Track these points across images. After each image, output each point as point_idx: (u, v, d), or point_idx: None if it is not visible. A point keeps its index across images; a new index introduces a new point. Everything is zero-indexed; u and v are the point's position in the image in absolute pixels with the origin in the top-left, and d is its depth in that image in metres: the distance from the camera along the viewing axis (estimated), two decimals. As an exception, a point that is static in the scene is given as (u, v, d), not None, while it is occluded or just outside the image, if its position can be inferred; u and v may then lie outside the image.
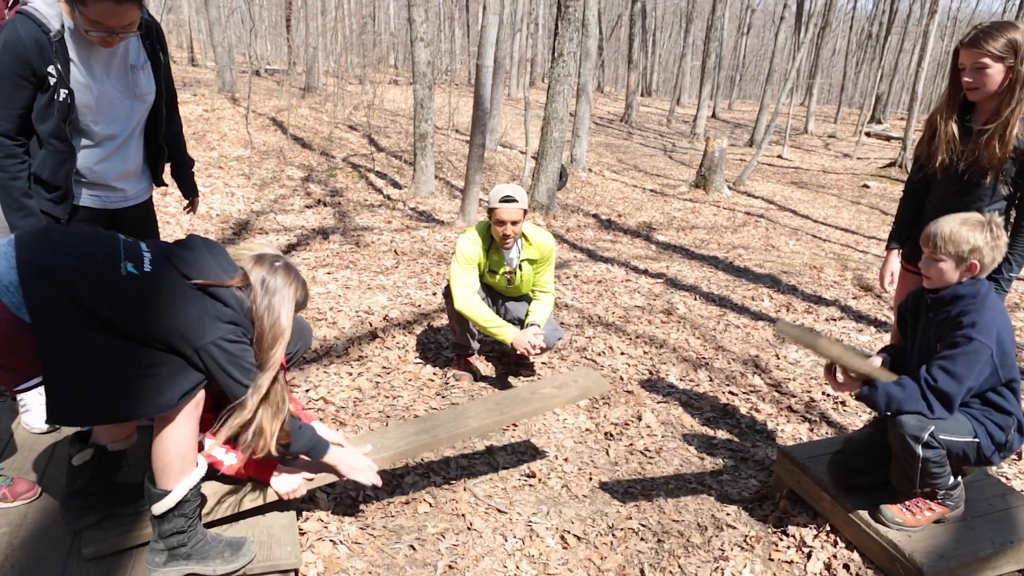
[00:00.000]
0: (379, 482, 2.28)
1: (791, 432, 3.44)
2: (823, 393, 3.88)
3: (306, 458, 2.21)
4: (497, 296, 3.79)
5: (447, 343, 4.16)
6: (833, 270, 6.69)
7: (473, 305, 3.42)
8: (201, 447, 2.02)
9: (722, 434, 3.40)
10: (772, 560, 2.46)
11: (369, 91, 17.89)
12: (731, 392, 3.84)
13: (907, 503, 2.33)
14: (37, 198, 2.20)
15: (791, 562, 2.45)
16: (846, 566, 2.39)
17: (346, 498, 2.65)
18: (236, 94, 14.01)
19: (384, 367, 3.79)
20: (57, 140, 2.15)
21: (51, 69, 2.06)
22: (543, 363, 4.03)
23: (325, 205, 7.78)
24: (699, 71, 22.40)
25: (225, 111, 12.03)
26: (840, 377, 2.35)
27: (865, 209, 11.63)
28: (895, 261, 2.86)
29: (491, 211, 3.36)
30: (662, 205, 10.43)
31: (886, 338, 4.80)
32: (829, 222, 10.10)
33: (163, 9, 23.34)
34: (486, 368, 3.92)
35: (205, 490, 2.08)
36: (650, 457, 3.15)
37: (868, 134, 22.83)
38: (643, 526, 2.65)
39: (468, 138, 8.10)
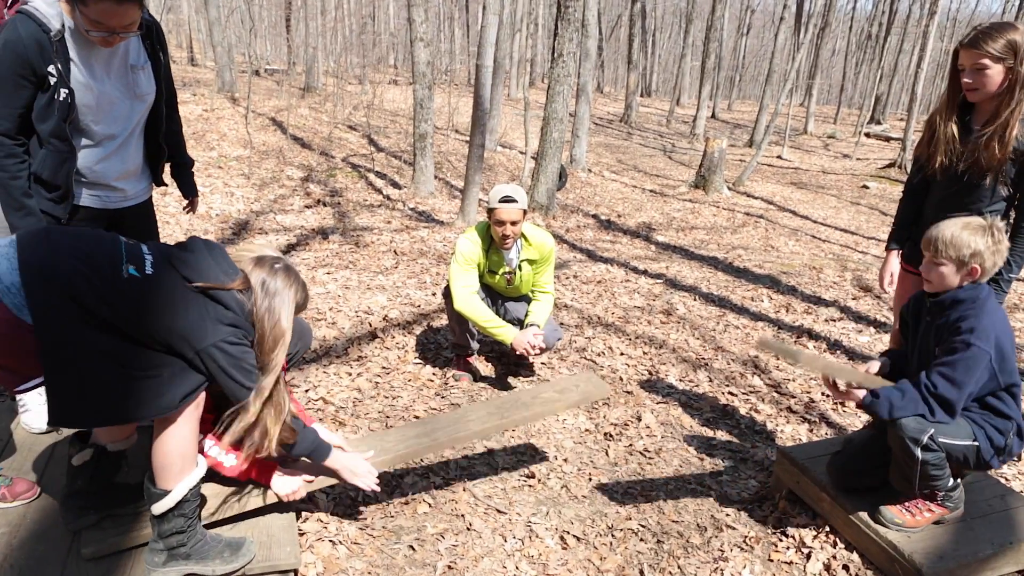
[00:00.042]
0: (378, 488, 2.28)
1: (791, 433, 3.44)
2: (822, 394, 3.87)
3: (307, 461, 2.21)
4: (497, 296, 3.79)
5: (447, 343, 4.16)
6: (832, 271, 6.69)
7: (473, 305, 3.42)
8: (201, 448, 2.02)
9: (722, 435, 3.40)
10: (771, 561, 2.46)
11: (369, 91, 17.89)
12: (731, 393, 3.85)
13: (906, 504, 2.33)
14: (37, 197, 2.20)
15: (790, 563, 2.45)
16: (845, 567, 2.39)
17: (345, 498, 2.65)
18: (236, 94, 14.01)
19: (384, 367, 3.79)
20: (57, 140, 2.15)
21: (51, 69, 2.06)
22: (543, 363, 4.03)
23: (325, 205, 7.78)
24: (699, 71, 22.40)
25: (225, 111, 12.03)
26: (841, 386, 2.34)
27: (864, 210, 11.64)
28: (895, 262, 2.86)
29: (491, 211, 3.36)
30: (662, 205, 10.43)
31: (885, 339, 4.81)
32: (829, 223, 10.10)
33: (163, 9, 23.34)
34: (486, 368, 3.92)
35: (205, 491, 2.08)
36: (649, 458, 3.15)
37: (867, 135, 22.85)
38: (643, 527, 2.65)
39: (468, 138, 8.10)
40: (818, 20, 22.11)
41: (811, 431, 3.46)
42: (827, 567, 2.40)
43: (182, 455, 1.86)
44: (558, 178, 8.96)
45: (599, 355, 4.22)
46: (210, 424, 2.09)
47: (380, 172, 10.10)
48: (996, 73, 2.37)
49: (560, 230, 8.05)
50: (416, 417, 3.31)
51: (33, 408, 2.55)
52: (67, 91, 2.10)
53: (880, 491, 2.41)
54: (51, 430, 2.58)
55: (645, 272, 6.25)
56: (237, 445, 2.18)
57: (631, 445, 3.24)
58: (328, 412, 3.27)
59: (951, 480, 2.27)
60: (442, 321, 4.48)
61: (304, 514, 2.49)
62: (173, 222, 6.27)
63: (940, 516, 2.33)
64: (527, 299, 3.78)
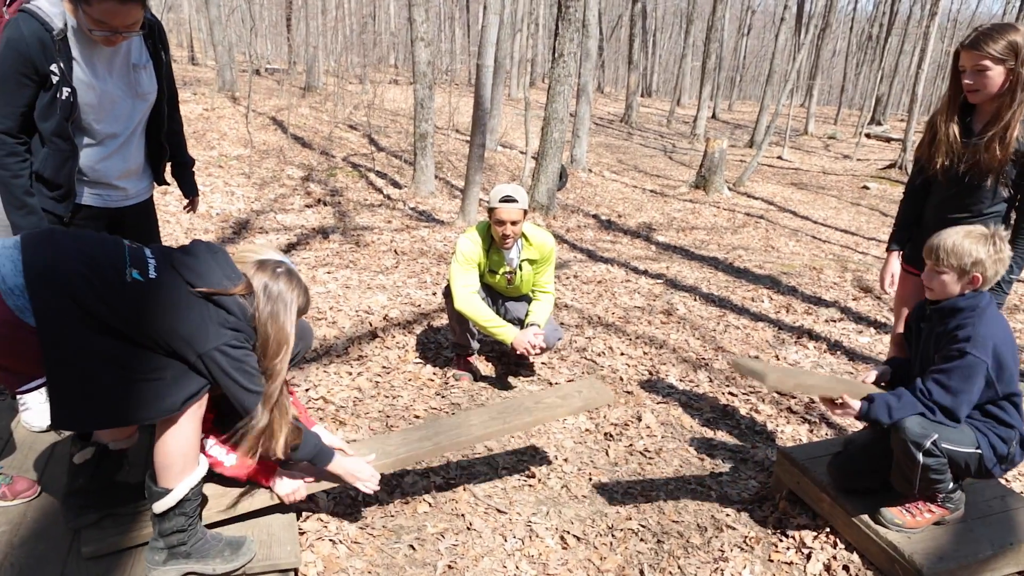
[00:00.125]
0: (378, 488, 2.28)
1: (791, 433, 3.44)
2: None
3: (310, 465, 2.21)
4: (497, 296, 3.79)
5: (447, 343, 4.16)
6: (833, 271, 6.69)
7: (473, 305, 3.42)
8: (202, 447, 2.02)
9: (722, 435, 3.40)
10: (772, 561, 2.47)
11: (369, 91, 17.89)
12: (731, 393, 3.85)
13: (907, 505, 2.33)
14: (39, 196, 2.20)
15: (791, 563, 2.45)
16: (846, 567, 2.39)
17: (346, 498, 2.65)
18: (236, 93, 14.01)
19: (384, 367, 3.79)
20: (59, 139, 2.15)
21: (54, 67, 2.06)
22: (543, 363, 4.03)
23: (325, 204, 7.78)
24: (699, 72, 22.41)
25: (225, 110, 12.03)
26: (838, 400, 2.32)
27: (865, 210, 11.64)
28: (895, 263, 2.86)
29: (491, 211, 3.36)
30: (662, 206, 10.43)
31: (886, 339, 4.81)
32: (829, 223, 10.10)
33: (163, 8, 23.35)
34: (486, 368, 3.92)
35: (206, 492, 2.08)
36: (650, 458, 3.15)
37: (868, 135, 22.85)
38: (643, 527, 2.65)
39: (468, 138, 8.09)
40: (819, 21, 22.10)
41: (811, 431, 3.46)
42: (827, 568, 2.40)
43: (184, 454, 1.86)
44: (558, 178, 8.96)
45: (599, 355, 4.22)
46: (210, 423, 2.09)
47: (381, 172, 10.10)
48: (997, 74, 2.37)
49: (560, 230, 8.05)
50: (416, 416, 3.32)
51: (34, 407, 2.55)
52: (69, 90, 2.10)
53: (880, 492, 2.41)
54: (51, 428, 2.58)
55: (645, 272, 6.25)
56: (236, 444, 2.19)
57: (631, 445, 3.24)
58: (328, 411, 3.27)
59: (951, 483, 2.27)
60: (442, 321, 4.48)
61: (304, 513, 2.49)
62: (174, 221, 6.27)
63: (940, 517, 2.33)
64: (527, 299, 3.78)
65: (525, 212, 3.38)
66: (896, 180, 14.40)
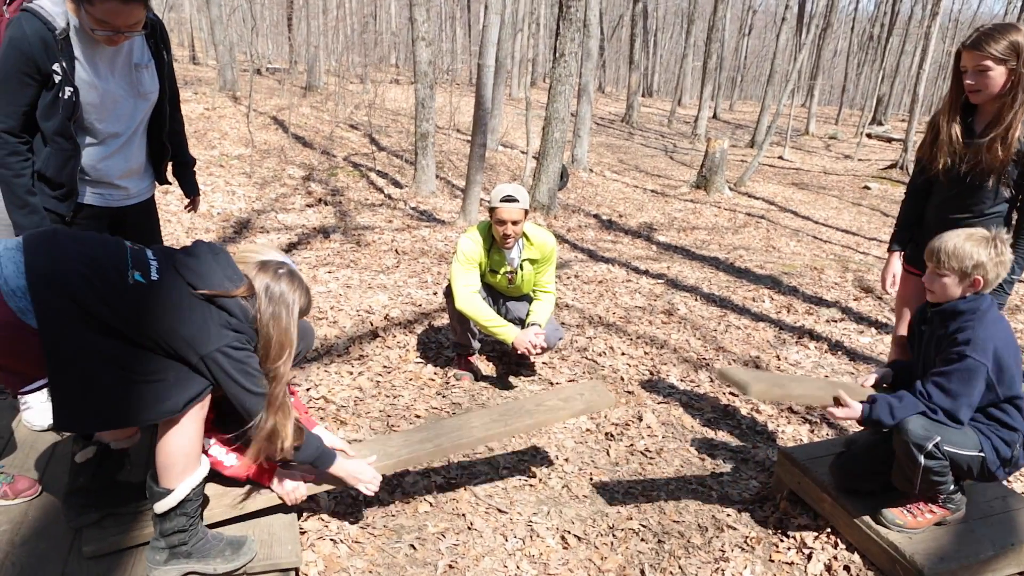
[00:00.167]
0: (377, 489, 2.28)
1: (792, 433, 3.44)
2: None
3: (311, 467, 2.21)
4: (498, 296, 3.79)
5: (448, 342, 4.16)
6: (834, 271, 6.69)
7: (474, 305, 3.42)
8: (203, 448, 2.02)
9: (723, 435, 3.40)
10: (772, 561, 2.46)
11: (370, 90, 17.89)
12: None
13: (908, 505, 2.33)
14: (41, 195, 2.20)
15: (791, 563, 2.45)
16: (847, 568, 2.39)
17: (347, 498, 2.65)
18: (237, 93, 14.01)
19: (385, 366, 3.79)
20: (62, 138, 2.15)
21: (56, 67, 2.06)
22: (544, 363, 4.03)
23: (326, 204, 7.78)
24: (700, 72, 22.40)
25: (226, 109, 12.03)
26: (841, 399, 2.32)
27: (866, 211, 11.63)
28: (897, 263, 2.86)
29: (492, 210, 3.36)
30: (663, 206, 10.43)
31: (887, 339, 4.80)
32: (830, 223, 10.10)
33: (164, 7, 23.37)
34: (487, 368, 3.92)
35: (207, 492, 2.08)
36: (651, 458, 3.15)
37: (869, 135, 22.83)
38: (643, 527, 2.65)
39: (469, 138, 8.10)
40: (820, 21, 22.09)
41: (812, 432, 3.46)
42: (828, 568, 2.40)
43: (186, 454, 1.86)
44: (559, 178, 8.96)
45: (600, 355, 4.22)
46: (210, 424, 2.09)
47: (381, 171, 10.11)
48: (999, 75, 2.37)
49: (561, 230, 8.05)
50: (417, 416, 3.32)
51: (35, 406, 2.56)
52: (72, 89, 2.10)
53: (882, 493, 2.40)
54: (52, 427, 2.58)
55: (646, 272, 6.25)
56: (241, 447, 2.19)
57: (632, 445, 3.24)
58: (329, 411, 3.27)
59: (953, 485, 2.27)
60: (443, 320, 4.48)
61: (305, 513, 2.49)
62: (175, 220, 6.27)
63: (942, 518, 2.33)
64: (528, 299, 3.78)
65: (526, 212, 3.38)
66: (897, 180, 14.39)
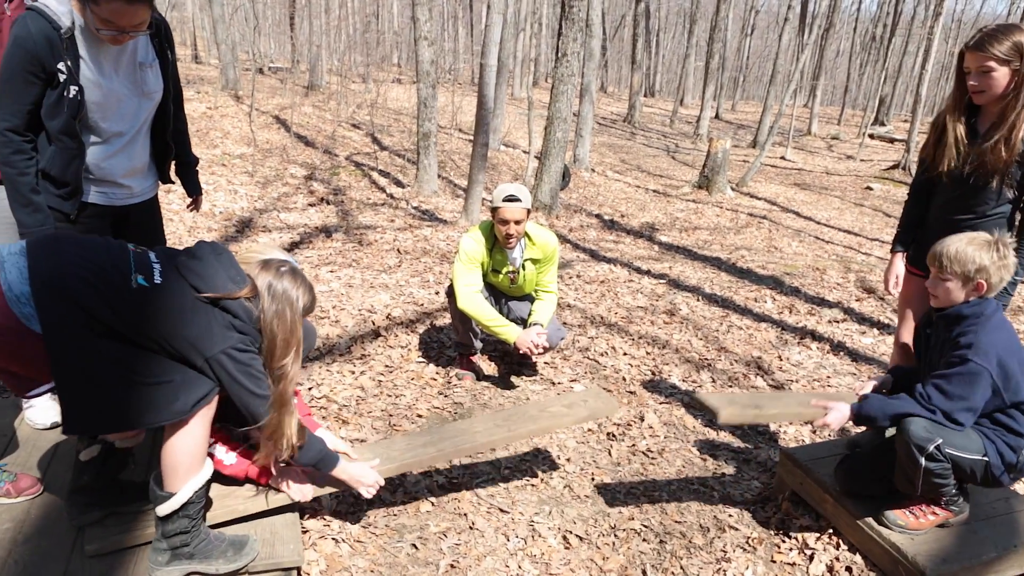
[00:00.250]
0: (375, 491, 2.28)
1: (793, 434, 3.44)
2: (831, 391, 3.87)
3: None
4: (500, 295, 3.79)
5: (450, 342, 4.16)
6: (836, 272, 6.68)
7: (476, 304, 3.42)
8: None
9: (724, 435, 3.39)
10: (774, 562, 2.46)
11: (372, 90, 17.90)
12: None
13: (911, 507, 2.33)
14: (45, 194, 2.20)
15: (793, 564, 2.45)
16: (848, 569, 2.38)
17: (348, 497, 2.65)
18: (239, 92, 14.02)
19: (387, 366, 3.79)
20: (67, 137, 2.15)
21: (61, 66, 2.06)
22: (546, 363, 4.03)
23: (328, 203, 7.78)
24: (702, 72, 22.39)
25: (228, 109, 12.04)
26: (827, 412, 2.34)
27: (868, 211, 11.62)
28: (899, 264, 2.85)
29: (494, 210, 3.36)
30: (665, 206, 10.43)
31: (889, 340, 4.80)
32: (832, 224, 10.09)
33: (167, 6, 23.39)
34: (489, 367, 3.92)
35: (212, 494, 2.08)
36: (652, 458, 3.15)
37: (871, 136, 22.81)
38: (645, 527, 2.65)
39: (471, 137, 8.10)
40: (822, 21, 22.09)
41: (814, 432, 3.46)
42: (830, 569, 2.40)
43: (191, 455, 1.86)
44: (561, 178, 8.96)
45: (602, 355, 4.22)
46: (211, 424, 2.09)
47: (383, 171, 10.11)
48: (1002, 75, 2.36)
49: (563, 230, 8.05)
50: (419, 416, 3.32)
51: (37, 404, 2.56)
52: (76, 88, 2.11)
53: (887, 497, 2.40)
54: (54, 426, 2.59)
55: (648, 272, 6.25)
56: (240, 445, 2.19)
57: (634, 445, 3.23)
58: (331, 410, 3.27)
59: (955, 488, 2.26)
60: (445, 320, 4.48)
61: (307, 512, 2.49)
62: (177, 219, 6.28)
63: (944, 520, 2.33)
64: (530, 298, 3.78)
65: (528, 211, 3.38)
66: (899, 181, 14.38)
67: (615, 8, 42.00)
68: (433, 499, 2.70)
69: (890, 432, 2.30)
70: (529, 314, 3.65)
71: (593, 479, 2.95)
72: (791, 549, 2.51)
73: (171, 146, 2.58)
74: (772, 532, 2.62)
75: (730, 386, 3.92)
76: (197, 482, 1.89)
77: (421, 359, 3.92)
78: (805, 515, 2.66)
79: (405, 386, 3.60)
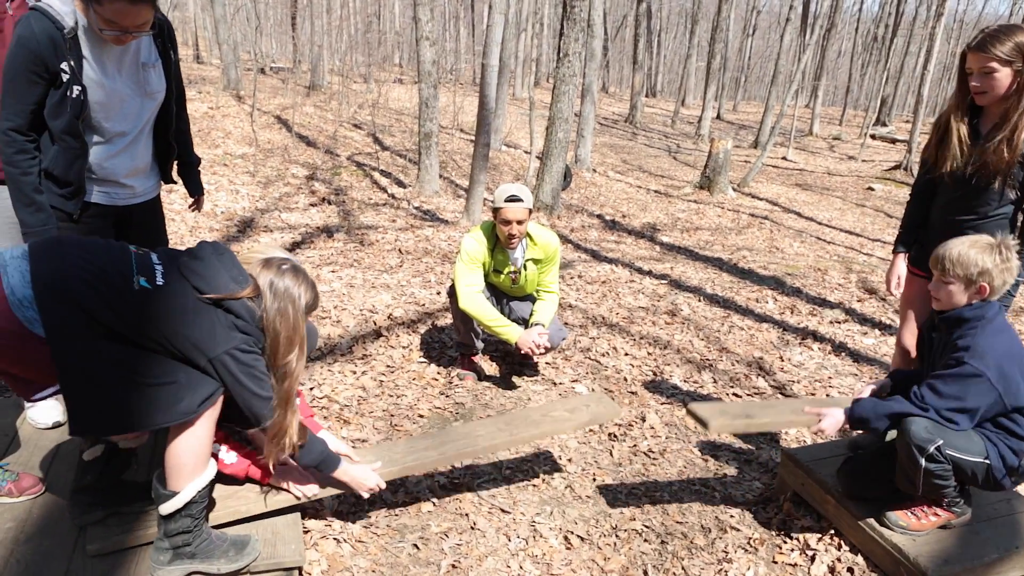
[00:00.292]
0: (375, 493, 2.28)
1: (795, 434, 3.43)
2: (827, 395, 3.87)
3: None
4: (502, 296, 3.79)
5: (451, 342, 4.17)
6: (838, 272, 6.68)
7: (477, 304, 3.42)
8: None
9: (726, 436, 3.39)
10: (776, 563, 2.46)
11: (374, 90, 17.92)
12: (735, 394, 3.84)
13: (912, 508, 2.32)
14: (48, 194, 2.21)
15: (795, 565, 2.44)
16: (850, 570, 2.38)
17: (350, 497, 2.64)
18: (241, 92, 14.03)
19: (388, 366, 3.80)
20: (70, 136, 2.16)
21: (64, 66, 2.06)
22: (547, 363, 4.03)
23: (329, 203, 7.79)
24: (704, 72, 22.37)
25: (230, 108, 12.05)
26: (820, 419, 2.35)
27: (870, 211, 11.61)
28: (902, 265, 2.85)
29: (497, 211, 3.36)
30: (666, 206, 10.43)
31: (890, 341, 4.80)
32: (834, 224, 10.09)
33: (169, 6, 23.41)
34: (490, 368, 3.92)
35: (216, 495, 2.09)
36: (654, 458, 3.15)
37: (873, 136, 22.80)
38: (647, 527, 2.65)
39: (472, 137, 8.10)
40: (824, 21, 22.08)
41: (816, 433, 3.45)
42: (831, 570, 2.40)
43: (196, 456, 1.86)
44: (563, 178, 8.96)
45: (603, 355, 4.22)
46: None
47: (385, 171, 10.11)
48: (1004, 76, 2.36)
49: (565, 230, 8.05)
50: (421, 416, 3.32)
51: (39, 404, 2.56)
52: (79, 88, 2.11)
53: (890, 499, 2.40)
54: (56, 425, 2.59)
55: (650, 272, 6.25)
56: (240, 444, 2.19)
57: (635, 446, 3.23)
58: (333, 410, 3.27)
59: (956, 489, 2.26)
60: (447, 320, 4.48)
61: (309, 512, 2.49)
62: (179, 219, 6.28)
63: (946, 521, 2.32)
64: (532, 298, 3.78)
65: (530, 211, 3.38)
66: (901, 181, 14.37)
67: (617, 8, 41.99)
68: (435, 499, 2.70)
69: (891, 435, 2.30)
70: (530, 314, 3.65)
71: (594, 479, 2.95)
72: (792, 550, 2.51)
73: (173, 146, 2.59)
74: (774, 533, 2.62)
75: (731, 387, 3.92)
76: (201, 482, 1.89)
77: (422, 359, 3.93)
78: (806, 516, 2.66)
79: (406, 386, 3.60)
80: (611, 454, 3.16)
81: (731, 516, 2.73)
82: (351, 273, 5.33)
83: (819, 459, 2.67)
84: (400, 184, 9.39)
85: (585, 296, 5.38)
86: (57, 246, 1.76)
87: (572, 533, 2.58)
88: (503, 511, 2.67)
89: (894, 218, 11.00)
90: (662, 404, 3.65)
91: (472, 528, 2.56)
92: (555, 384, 3.80)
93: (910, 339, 2.83)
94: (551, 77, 25.25)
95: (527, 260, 3.56)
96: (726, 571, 2.42)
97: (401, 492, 2.72)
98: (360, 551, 2.38)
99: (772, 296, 5.72)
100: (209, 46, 24.92)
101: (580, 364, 4.08)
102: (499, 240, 3.48)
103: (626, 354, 4.28)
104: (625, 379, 3.93)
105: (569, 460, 3.07)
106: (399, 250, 6.12)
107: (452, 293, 3.58)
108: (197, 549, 1.94)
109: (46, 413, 2.58)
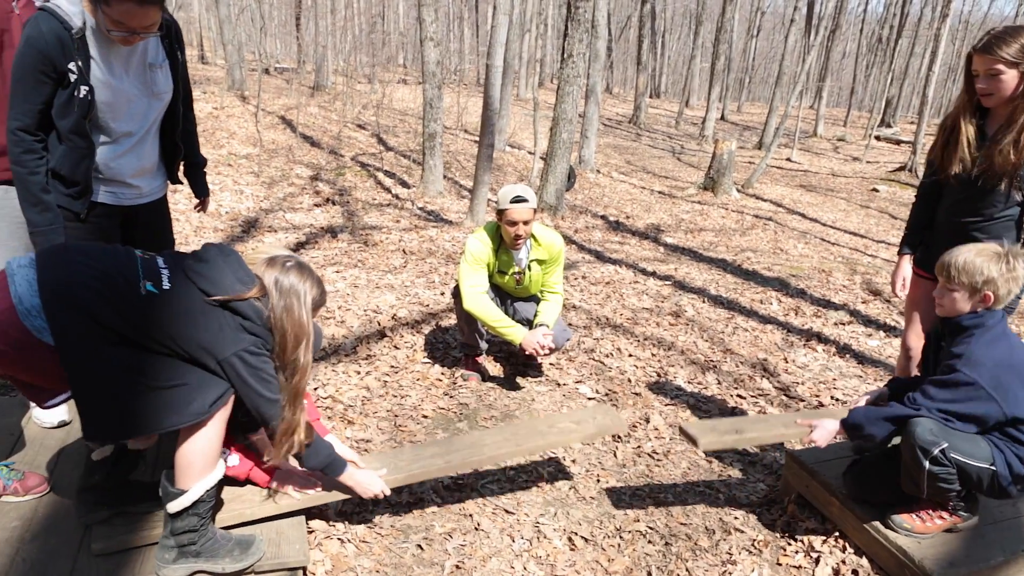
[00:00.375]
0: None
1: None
2: (831, 397, 3.86)
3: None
4: (506, 296, 3.79)
5: (455, 343, 4.17)
6: (842, 274, 6.67)
7: (482, 305, 3.42)
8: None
9: (730, 437, 3.38)
10: (780, 565, 2.46)
11: (378, 90, 17.94)
12: (739, 395, 3.84)
13: (918, 511, 2.31)
14: (55, 193, 2.22)
15: (799, 567, 2.44)
16: (855, 572, 2.38)
17: (353, 498, 2.65)
18: (245, 92, 14.06)
19: (392, 366, 3.80)
20: (77, 136, 2.17)
21: (72, 66, 2.07)
22: (551, 364, 4.03)
23: (334, 204, 7.80)
24: (708, 73, 22.35)
25: (234, 109, 12.08)
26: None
27: (874, 213, 11.59)
28: (907, 266, 2.84)
29: (501, 212, 3.36)
30: (670, 207, 10.42)
31: (895, 343, 4.79)
32: (838, 226, 10.07)
33: (174, 6, 23.45)
34: (494, 368, 3.92)
35: (223, 497, 2.09)
36: (658, 460, 3.14)
37: (878, 138, 22.75)
38: (650, 529, 2.65)
39: (477, 138, 8.10)
40: (829, 22, 21.99)
41: (808, 444, 3.44)
42: (836, 572, 2.39)
43: (205, 456, 1.87)
44: (567, 179, 8.96)
45: (607, 356, 4.22)
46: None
47: (389, 171, 10.12)
48: (1011, 78, 2.35)
49: (569, 231, 8.05)
50: (425, 416, 3.32)
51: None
52: (87, 88, 2.12)
53: (896, 503, 2.39)
54: (62, 424, 2.60)
55: (654, 274, 6.25)
56: (242, 446, 2.20)
57: (639, 447, 3.23)
58: (337, 410, 3.28)
59: (962, 493, 2.24)
60: (451, 321, 4.48)
61: (313, 512, 2.49)
62: (184, 219, 6.30)
63: (952, 524, 2.31)
64: (536, 299, 3.78)
65: (535, 211, 3.38)
66: (906, 183, 14.35)
67: (621, 9, 41.99)
68: (439, 500, 2.70)
69: (897, 440, 2.30)
70: (535, 315, 3.65)
71: (599, 481, 2.95)
72: (797, 552, 2.51)
73: (180, 146, 2.59)
74: (778, 535, 2.62)
75: (736, 388, 3.92)
76: (209, 481, 1.90)
77: (426, 360, 3.93)
78: (811, 518, 2.65)
79: (410, 386, 3.60)
80: (615, 455, 3.16)
81: (735, 518, 2.73)
82: (355, 273, 5.33)
83: (824, 461, 2.67)
84: (404, 185, 9.40)
85: (589, 297, 5.38)
86: (63, 253, 1.77)
87: (576, 534, 2.58)
88: (507, 512, 2.68)
89: (899, 219, 10.98)
90: (666, 405, 3.65)
91: (476, 529, 2.56)
92: (559, 385, 3.80)
93: (915, 340, 2.83)
94: (555, 78, 25.26)
95: (531, 261, 3.56)
96: (730, 573, 2.41)
97: (405, 493, 2.72)
98: (364, 551, 2.38)
99: (776, 297, 5.71)
100: (214, 46, 24.97)
101: (584, 365, 4.08)
102: (503, 241, 3.48)
103: (630, 355, 4.27)
104: (629, 380, 3.93)
105: (573, 461, 3.07)
106: (403, 251, 6.13)
107: (456, 294, 3.58)
108: (202, 548, 1.95)
109: (51, 412, 2.58)
